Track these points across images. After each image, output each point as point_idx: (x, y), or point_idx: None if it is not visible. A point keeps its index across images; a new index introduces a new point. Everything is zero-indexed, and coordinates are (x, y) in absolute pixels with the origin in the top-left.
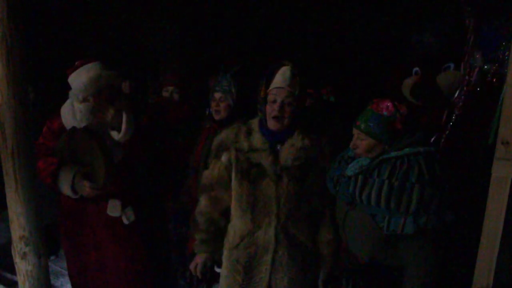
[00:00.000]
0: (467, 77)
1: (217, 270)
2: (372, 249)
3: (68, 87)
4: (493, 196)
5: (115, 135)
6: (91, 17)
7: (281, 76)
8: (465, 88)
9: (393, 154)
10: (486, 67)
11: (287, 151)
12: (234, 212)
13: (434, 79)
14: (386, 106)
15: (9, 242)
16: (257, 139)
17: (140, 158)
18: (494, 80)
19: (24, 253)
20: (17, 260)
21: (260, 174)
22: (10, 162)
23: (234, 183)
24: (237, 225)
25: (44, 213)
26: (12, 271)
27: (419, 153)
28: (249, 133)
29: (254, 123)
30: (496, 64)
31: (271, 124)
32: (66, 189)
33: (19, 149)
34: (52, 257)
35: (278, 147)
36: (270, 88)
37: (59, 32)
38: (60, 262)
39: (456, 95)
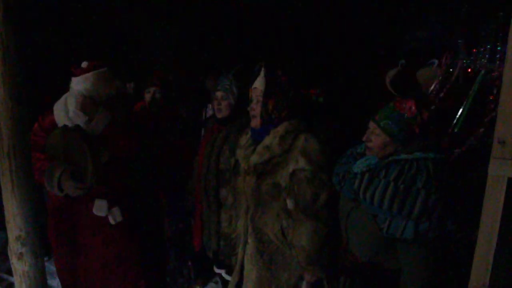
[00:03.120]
0: (445, 70)
1: (217, 270)
2: (372, 249)
3: (63, 87)
4: (489, 195)
5: (87, 124)
6: (88, 18)
7: (258, 76)
8: (440, 78)
9: (403, 156)
10: (467, 60)
11: (257, 150)
12: None
13: (414, 72)
14: (409, 107)
15: (5, 242)
16: (245, 137)
17: (127, 158)
18: (469, 70)
19: (21, 254)
20: (13, 260)
21: (238, 169)
22: (6, 162)
23: None
24: (233, 212)
25: (40, 214)
26: (9, 272)
27: (429, 158)
28: (246, 132)
29: None
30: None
31: (251, 122)
32: (52, 187)
33: (16, 149)
34: (45, 258)
35: (257, 147)
36: (252, 88)
37: (55, 32)
38: None
39: (432, 87)
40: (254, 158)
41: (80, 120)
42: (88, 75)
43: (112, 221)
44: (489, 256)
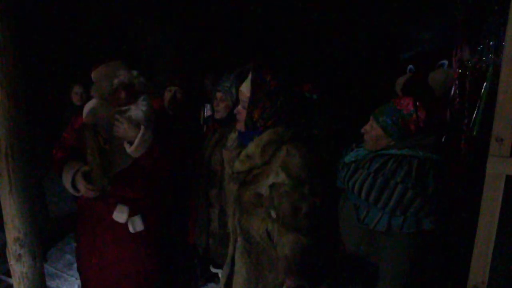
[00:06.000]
0: (458, 71)
1: (213, 270)
2: (355, 240)
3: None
4: (487, 193)
5: (127, 147)
6: (88, 18)
7: (246, 80)
8: (457, 82)
9: (391, 151)
10: (472, 61)
11: (240, 157)
12: None
13: (425, 77)
14: (407, 103)
15: (3, 244)
16: (233, 138)
17: (154, 166)
18: (477, 74)
19: (19, 255)
20: (12, 262)
21: (225, 170)
22: (4, 163)
23: None
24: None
25: (38, 215)
26: (7, 273)
27: (417, 156)
28: (234, 131)
29: None
30: (483, 58)
31: (236, 124)
32: (67, 185)
33: (13, 150)
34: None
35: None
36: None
37: (54, 32)
38: (55, 264)
39: (452, 92)
40: (237, 165)
41: (99, 118)
42: (99, 68)
43: (131, 229)
44: (488, 253)
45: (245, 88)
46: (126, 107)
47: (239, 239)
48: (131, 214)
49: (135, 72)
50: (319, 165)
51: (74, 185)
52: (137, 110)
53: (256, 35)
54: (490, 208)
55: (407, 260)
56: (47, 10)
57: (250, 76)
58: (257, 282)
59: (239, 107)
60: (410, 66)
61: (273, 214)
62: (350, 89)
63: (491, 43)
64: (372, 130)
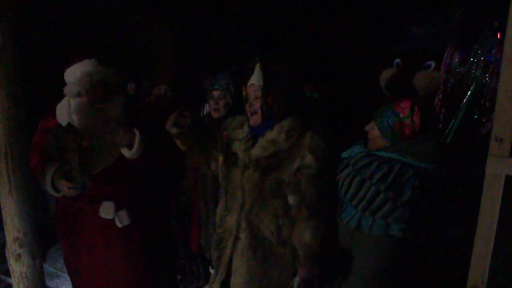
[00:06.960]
0: (444, 75)
1: (212, 271)
2: (341, 234)
3: (59, 87)
4: (487, 193)
5: (125, 152)
6: (87, 17)
7: (254, 73)
8: (441, 87)
9: (379, 152)
10: (461, 68)
11: (260, 143)
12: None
13: (411, 76)
14: (404, 107)
15: (3, 244)
16: (243, 132)
17: (137, 161)
18: (462, 85)
19: (19, 255)
20: (11, 262)
21: (234, 162)
22: (3, 163)
23: (218, 167)
24: (220, 206)
25: (38, 215)
26: (7, 273)
27: (403, 162)
28: (242, 125)
29: None
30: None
31: (250, 121)
32: (47, 186)
33: (13, 150)
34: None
35: (259, 140)
36: (246, 86)
37: (53, 32)
38: (54, 263)
39: (439, 97)
40: (257, 152)
41: (79, 118)
42: (73, 67)
43: (119, 224)
44: (487, 254)
45: (256, 80)
46: (102, 106)
47: (242, 235)
48: (117, 210)
49: (112, 69)
50: (335, 156)
51: (54, 186)
52: (116, 108)
53: (256, 35)
54: (490, 208)
55: (374, 261)
56: (47, 10)
57: (258, 68)
58: (260, 280)
59: (251, 101)
60: (397, 60)
61: (292, 200)
62: (350, 87)
63: (481, 58)
64: (372, 130)
